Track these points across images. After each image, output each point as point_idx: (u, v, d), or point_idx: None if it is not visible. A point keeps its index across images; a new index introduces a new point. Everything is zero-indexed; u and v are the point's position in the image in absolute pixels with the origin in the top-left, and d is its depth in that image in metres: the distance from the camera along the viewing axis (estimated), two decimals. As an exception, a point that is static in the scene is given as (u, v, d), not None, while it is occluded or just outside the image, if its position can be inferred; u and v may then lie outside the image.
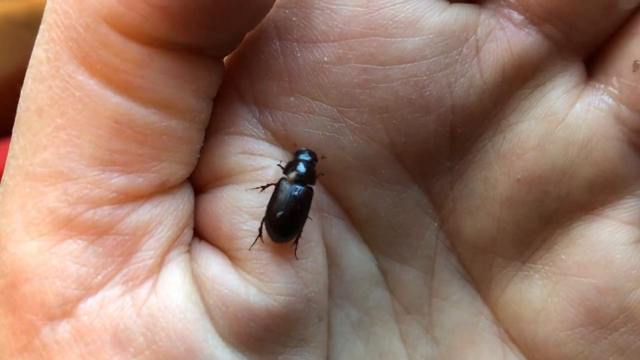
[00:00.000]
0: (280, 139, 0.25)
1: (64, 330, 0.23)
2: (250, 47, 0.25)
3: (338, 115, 0.25)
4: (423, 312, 0.28)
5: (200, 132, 0.24)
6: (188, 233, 0.25)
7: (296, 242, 0.25)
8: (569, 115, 0.25)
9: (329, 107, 0.25)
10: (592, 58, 0.26)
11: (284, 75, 0.25)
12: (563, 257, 0.26)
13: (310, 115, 0.25)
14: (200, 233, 0.26)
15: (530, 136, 0.25)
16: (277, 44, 0.25)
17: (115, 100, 0.22)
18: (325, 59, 0.24)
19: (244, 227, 0.24)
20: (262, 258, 0.24)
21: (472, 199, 0.26)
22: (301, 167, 0.24)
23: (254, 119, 0.25)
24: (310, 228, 0.25)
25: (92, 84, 0.22)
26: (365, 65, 0.24)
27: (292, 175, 0.25)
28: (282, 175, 0.25)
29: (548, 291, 0.26)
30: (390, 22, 0.24)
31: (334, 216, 0.27)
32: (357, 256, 0.27)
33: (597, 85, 0.25)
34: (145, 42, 0.22)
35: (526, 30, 0.24)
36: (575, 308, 0.26)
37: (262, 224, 0.24)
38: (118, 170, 0.23)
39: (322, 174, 0.25)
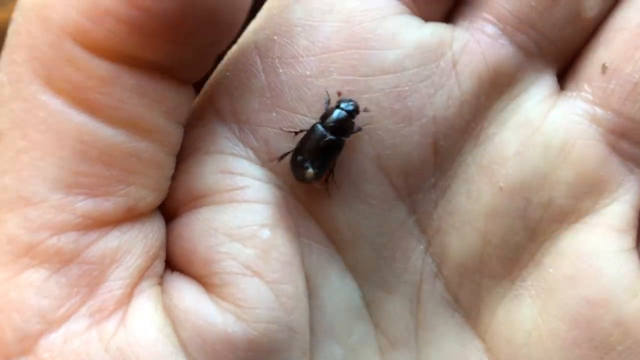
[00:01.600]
0: (261, 156, 0.24)
1: None
2: (229, 67, 0.25)
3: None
4: (410, 345, 0.26)
5: (170, 156, 0.23)
6: (159, 264, 0.24)
7: (327, 182, 0.24)
8: (545, 122, 0.25)
9: (312, 120, 0.24)
10: (563, 70, 0.26)
11: (265, 92, 0.24)
12: (551, 270, 0.25)
13: (293, 130, 0.24)
14: (173, 264, 0.24)
15: (509, 144, 0.25)
16: (258, 62, 0.25)
17: (80, 120, 0.21)
18: (308, 72, 0.24)
19: (221, 250, 0.23)
20: (239, 282, 0.23)
21: (457, 215, 0.26)
22: (336, 116, 0.24)
23: (233, 137, 0.25)
24: (292, 253, 0.24)
25: (56, 104, 0.21)
26: (347, 77, 0.24)
27: (326, 122, 0.24)
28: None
29: (538, 309, 0.25)
30: (370, 35, 0.24)
31: (315, 242, 0.25)
32: (338, 286, 0.26)
33: (569, 93, 0.26)
34: (112, 59, 0.21)
35: (500, 41, 0.25)
36: (567, 325, 0.25)
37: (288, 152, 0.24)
38: (83, 194, 0.22)
39: (361, 129, 0.25)
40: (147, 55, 0.21)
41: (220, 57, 0.25)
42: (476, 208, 0.26)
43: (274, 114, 0.24)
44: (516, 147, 0.25)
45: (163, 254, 0.24)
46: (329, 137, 0.24)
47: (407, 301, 0.26)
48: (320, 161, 0.24)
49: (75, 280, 0.21)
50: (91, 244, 0.22)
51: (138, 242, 0.23)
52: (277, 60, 0.24)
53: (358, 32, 0.24)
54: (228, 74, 0.25)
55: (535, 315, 0.25)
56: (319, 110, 0.24)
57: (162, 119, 0.22)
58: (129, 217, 0.23)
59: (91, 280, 0.22)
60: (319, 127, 0.24)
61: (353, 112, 0.24)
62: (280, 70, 0.24)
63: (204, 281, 0.23)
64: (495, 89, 0.25)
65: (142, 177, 0.22)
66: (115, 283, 0.22)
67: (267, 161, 0.24)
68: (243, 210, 0.24)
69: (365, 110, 0.24)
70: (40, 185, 0.21)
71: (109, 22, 0.20)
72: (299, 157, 0.24)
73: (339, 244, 0.26)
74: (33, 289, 0.21)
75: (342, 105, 0.24)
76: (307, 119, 0.24)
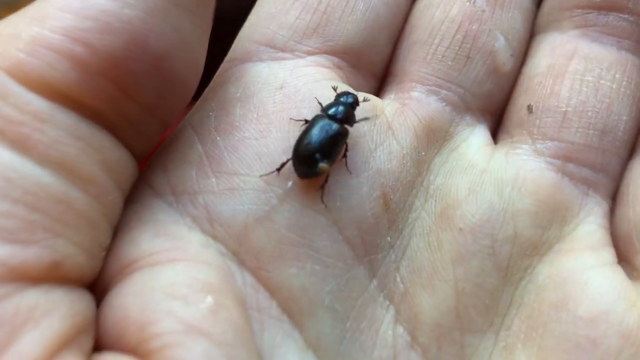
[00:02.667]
0: (201, 223, 0.23)
1: None
2: (167, 148, 0.24)
3: (265, 186, 0.23)
4: None
5: (105, 220, 0.21)
6: (86, 340, 0.20)
7: (322, 187, 0.24)
8: (490, 164, 0.26)
9: (253, 179, 0.23)
10: (496, 123, 0.28)
11: (203, 160, 0.24)
12: (535, 306, 0.23)
13: (235, 192, 0.23)
14: (103, 343, 0.21)
15: (459, 188, 0.25)
16: (193, 135, 0.24)
17: (6, 155, 0.19)
18: (247, 134, 0.24)
19: (160, 309, 0.20)
20: (184, 342, 0.19)
21: (422, 272, 0.24)
22: (339, 106, 0.24)
23: (170, 208, 0.23)
24: (242, 318, 0.21)
25: None
26: (286, 134, 0.24)
27: (329, 112, 0.24)
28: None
29: (534, 352, 0.23)
30: (306, 95, 0.25)
31: (267, 316, 0.22)
32: None
33: (506, 139, 0.27)
34: (49, 96, 0.20)
35: (427, 99, 0.26)
36: (570, 354, 0.22)
37: (287, 161, 0.24)
38: (1, 237, 0.19)
39: (368, 118, 0.25)
40: (87, 98, 0.20)
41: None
42: (440, 258, 0.24)
43: (214, 179, 0.23)
44: (467, 188, 0.25)
45: (91, 331, 0.20)
46: (337, 125, 0.24)
47: None
48: (329, 152, 0.24)
49: None
50: (4, 297, 0.18)
51: (62, 306, 0.19)
52: (213, 131, 0.24)
53: (293, 94, 0.25)
54: (161, 151, 0.24)
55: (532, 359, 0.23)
56: (260, 169, 0.24)
57: (99, 169, 0.21)
58: (54, 275, 0.20)
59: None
60: (324, 119, 0.24)
61: (354, 104, 0.25)
62: (218, 138, 0.24)
63: (138, 350, 0.20)
64: (433, 143, 0.26)
65: (71, 229, 0.20)
66: (27, 347, 0.18)
67: (208, 228, 0.23)
68: (184, 268, 0.21)
69: (365, 100, 0.25)
70: None
71: (50, 56, 0.20)
72: (307, 151, 0.24)
73: (295, 315, 0.23)
74: None
75: (342, 99, 0.25)
76: (248, 178, 0.24)
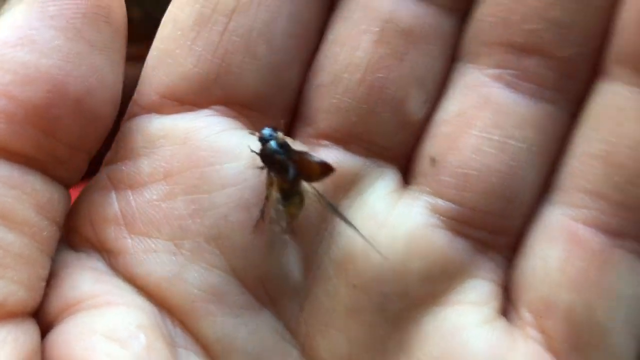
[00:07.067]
0: (130, 283, 0.24)
1: None
2: (90, 198, 0.26)
3: (175, 249, 0.24)
4: None
5: (43, 254, 0.23)
6: None
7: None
8: (390, 216, 0.25)
9: (165, 242, 0.24)
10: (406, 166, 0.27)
11: (119, 220, 0.25)
12: (420, 355, 0.24)
13: (150, 254, 0.24)
14: None
15: (356, 241, 0.25)
16: (113, 193, 0.25)
17: None
18: (155, 197, 0.25)
19: (99, 350, 0.22)
20: None
21: (321, 317, 0.25)
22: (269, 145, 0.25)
23: (101, 260, 0.25)
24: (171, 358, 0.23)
25: None
26: (192, 196, 0.25)
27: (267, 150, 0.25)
28: None
29: None
30: (209, 152, 0.25)
31: (194, 355, 0.24)
32: None
33: (413, 187, 0.26)
34: None
35: (334, 150, 0.26)
36: None
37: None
38: None
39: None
40: (16, 146, 0.22)
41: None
42: (336, 308, 0.25)
43: (129, 241, 0.24)
44: (363, 243, 0.25)
45: None
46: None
47: None
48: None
49: None
50: None
51: (6, 345, 0.21)
52: (128, 190, 0.25)
53: (196, 150, 0.25)
54: (87, 204, 0.25)
55: None
56: (170, 232, 0.25)
57: (33, 212, 0.22)
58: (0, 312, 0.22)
59: None
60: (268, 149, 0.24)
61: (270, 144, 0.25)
62: (131, 198, 0.25)
63: None
64: (339, 189, 0.26)
65: (10, 271, 0.22)
66: None
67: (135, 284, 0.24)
68: (119, 312, 0.23)
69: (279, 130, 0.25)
70: None
71: None
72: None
73: (215, 358, 0.25)
74: None
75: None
76: (160, 241, 0.25)
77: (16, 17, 0.22)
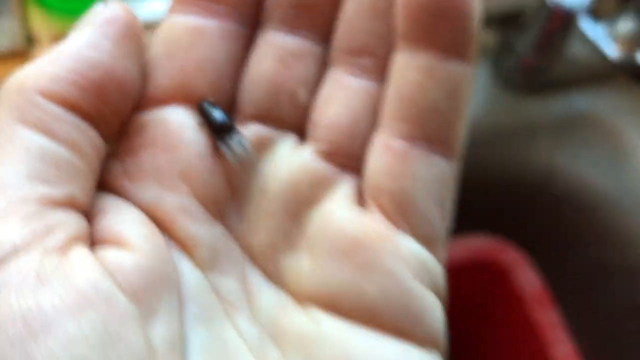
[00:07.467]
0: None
1: None
2: None
3: (158, 185, 0.33)
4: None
5: (95, 174, 0.29)
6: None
7: None
8: (292, 156, 0.35)
9: (150, 181, 0.33)
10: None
11: (120, 174, 0.32)
12: (310, 233, 0.33)
13: (139, 187, 0.32)
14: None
15: (269, 170, 0.35)
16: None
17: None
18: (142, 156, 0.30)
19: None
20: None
21: (252, 223, 0.34)
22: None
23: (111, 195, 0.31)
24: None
25: None
26: (168, 155, 0.31)
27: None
28: None
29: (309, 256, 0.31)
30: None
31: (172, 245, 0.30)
32: None
33: (304, 143, 0.35)
34: (64, 105, 0.29)
35: (256, 125, 0.34)
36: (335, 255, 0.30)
37: None
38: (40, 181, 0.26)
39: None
40: (82, 105, 0.29)
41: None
42: (259, 214, 0.34)
43: (127, 182, 0.32)
44: (274, 172, 0.35)
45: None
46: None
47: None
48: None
49: None
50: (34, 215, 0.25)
51: (76, 218, 0.28)
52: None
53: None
54: None
55: None
56: (154, 176, 0.32)
57: (90, 149, 0.29)
58: (71, 204, 0.28)
59: None
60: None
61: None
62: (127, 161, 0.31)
63: None
64: (260, 147, 0.34)
65: (75, 179, 0.29)
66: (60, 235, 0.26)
67: None
68: (134, 210, 0.30)
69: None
70: None
71: (68, 84, 0.29)
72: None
73: (187, 250, 0.31)
74: None
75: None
76: (146, 181, 0.33)
77: (84, 31, 0.32)
